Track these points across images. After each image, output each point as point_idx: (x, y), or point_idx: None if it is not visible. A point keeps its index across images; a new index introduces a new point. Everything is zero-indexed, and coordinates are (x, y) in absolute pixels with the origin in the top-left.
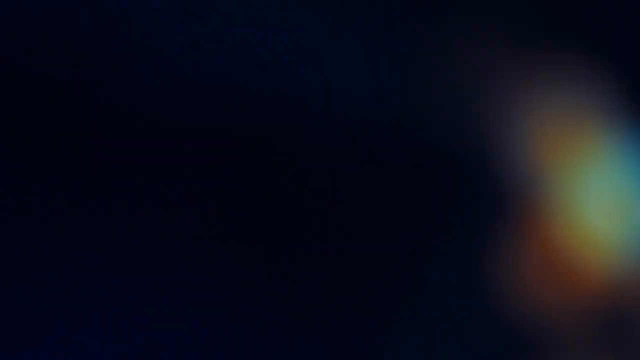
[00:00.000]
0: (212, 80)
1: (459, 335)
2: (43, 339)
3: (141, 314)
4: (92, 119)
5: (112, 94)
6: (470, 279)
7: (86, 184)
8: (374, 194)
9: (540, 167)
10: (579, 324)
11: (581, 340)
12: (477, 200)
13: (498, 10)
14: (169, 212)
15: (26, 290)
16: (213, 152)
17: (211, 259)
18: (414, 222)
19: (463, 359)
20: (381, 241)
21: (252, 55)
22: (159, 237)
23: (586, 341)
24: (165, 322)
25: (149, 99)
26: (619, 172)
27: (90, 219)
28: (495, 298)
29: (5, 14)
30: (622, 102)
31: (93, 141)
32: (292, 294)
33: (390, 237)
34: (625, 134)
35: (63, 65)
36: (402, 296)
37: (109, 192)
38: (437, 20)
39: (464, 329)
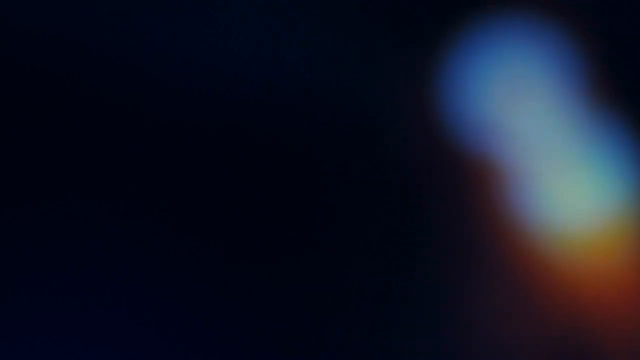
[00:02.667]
0: (203, 78)
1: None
2: (40, 340)
3: (141, 315)
4: (94, 118)
5: (111, 93)
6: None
7: (87, 183)
8: (368, 194)
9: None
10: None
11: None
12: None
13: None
14: (168, 212)
15: (24, 291)
16: (209, 149)
17: (208, 258)
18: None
19: None
20: (363, 241)
21: (246, 51)
22: (159, 236)
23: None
24: (165, 323)
25: (148, 98)
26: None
27: (90, 219)
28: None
29: (4, 13)
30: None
31: (94, 140)
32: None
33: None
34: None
35: (63, 64)
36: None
37: (109, 193)
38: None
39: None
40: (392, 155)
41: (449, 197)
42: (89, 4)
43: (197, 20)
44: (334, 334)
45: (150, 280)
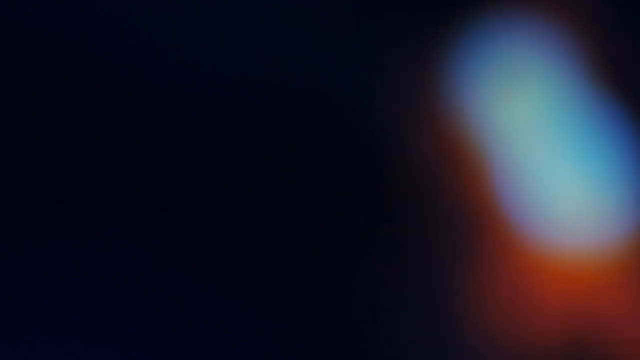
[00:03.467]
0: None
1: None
2: (40, 340)
3: (141, 315)
4: (94, 118)
5: (110, 93)
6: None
7: (87, 183)
8: (364, 194)
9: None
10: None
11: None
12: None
13: None
14: (167, 212)
15: (24, 291)
16: (208, 149)
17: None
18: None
19: None
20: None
21: (245, 51)
22: (159, 236)
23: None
24: (165, 324)
25: (148, 98)
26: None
27: (90, 219)
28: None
29: (4, 13)
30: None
31: (94, 141)
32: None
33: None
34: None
35: (63, 64)
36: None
37: (109, 193)
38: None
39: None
40: (393, 153)
41: (451, 193)
42: (89, 4)
43: (196, 20)
44: (333, 334)
45: (150, 280)
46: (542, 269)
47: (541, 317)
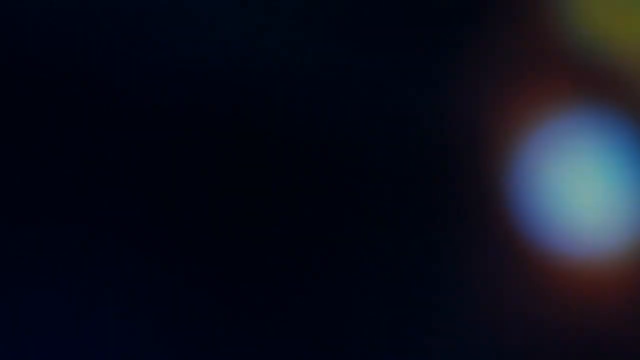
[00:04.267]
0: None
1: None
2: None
3: (141, 316)
4: (92, 116)
5: (110, 93)
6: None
7: (86, 183)
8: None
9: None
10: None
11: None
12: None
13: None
14: (168, 213)
15: (24, 292)
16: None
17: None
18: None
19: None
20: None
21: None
22: (159, 237)
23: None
24: (165, 324)
25: (148, 97)
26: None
27: (89, 219)
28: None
29: (6, 12)
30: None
31: (93, 140)
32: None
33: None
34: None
35: (60, 62)
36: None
37: (110, 193)
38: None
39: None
40: (406, 161)
41: (456, 194)
42: (86, 3)
43: (219, 21)
44: (335, 332)
45: (153, 279)
46: (548, 272)
47: (545, 318)
